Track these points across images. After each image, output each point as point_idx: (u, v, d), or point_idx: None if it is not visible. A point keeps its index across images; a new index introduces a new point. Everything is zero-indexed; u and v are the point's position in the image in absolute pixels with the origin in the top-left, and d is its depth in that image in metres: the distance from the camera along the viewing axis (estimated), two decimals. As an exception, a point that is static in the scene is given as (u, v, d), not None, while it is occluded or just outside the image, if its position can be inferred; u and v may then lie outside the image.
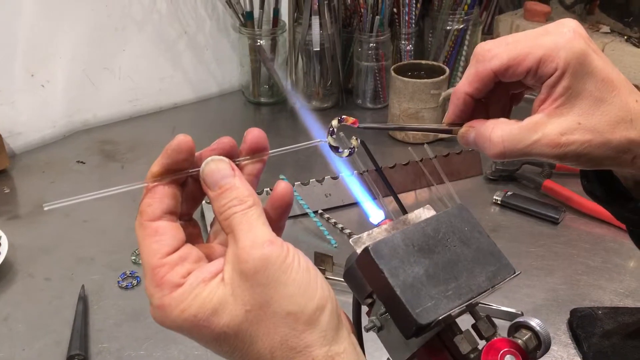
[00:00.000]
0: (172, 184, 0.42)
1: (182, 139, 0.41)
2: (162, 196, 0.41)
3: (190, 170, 0.42)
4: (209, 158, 0.42)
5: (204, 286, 0.39)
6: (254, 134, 0.44)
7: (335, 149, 0.48)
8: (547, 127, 0.46)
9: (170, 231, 0.40)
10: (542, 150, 0.46)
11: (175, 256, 0.40)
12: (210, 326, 0.38)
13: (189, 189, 0.44)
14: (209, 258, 0.42)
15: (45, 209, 0.41)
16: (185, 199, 0.44)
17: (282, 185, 0.45)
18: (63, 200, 0.42)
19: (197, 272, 0.39)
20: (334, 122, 0.48)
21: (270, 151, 0.45)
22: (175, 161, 0.41)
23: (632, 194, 0.54)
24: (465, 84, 0.49)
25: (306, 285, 0.39)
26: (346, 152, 0.48)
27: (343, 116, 0.48)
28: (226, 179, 0.41)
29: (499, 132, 0.47)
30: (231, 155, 0.43)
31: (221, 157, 0.42)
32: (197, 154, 0.43)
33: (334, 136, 0.48)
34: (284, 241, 0.40)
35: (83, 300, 0.83)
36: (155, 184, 0.41)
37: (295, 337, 0.38)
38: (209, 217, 0.93)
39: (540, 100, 0.46)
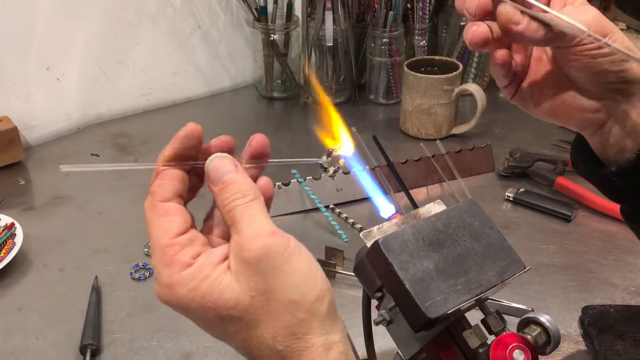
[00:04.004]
0: (180, 168, 0.44)
1: (192, 127, 0.43)
2: (172, 179, 0.43)
3: (197, 162, 0.44)
4: (214, 155, 0.43)
5: (212, 268, 0.40)
6: (258, 140, 0.46)
7: (323, 168, 0.50)
8: None
9: (181, 213, 0.42)
10: None
11: (185, 237, 0.41)
12: (216, 308, 0.39)
13: (189, 181, 0.46)
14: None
15: (62, 169, 0.43)
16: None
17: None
18: (80, 165, 0.44)
19: (205, 255, 0.41)
20: (336, 149, 0.49)
21: (270, 160, 0.47)
22: (186, 147, 0.43)
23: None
24: None
25: (307, 275, 0.40)
26: (331, 170, 0.50)
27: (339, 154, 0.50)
28: (229, 174, 0.42)
29: None
30: (229, 152, 0.45)
31: (225, 154, 0.44)
32: (203, 146, 0.44)
33: (329, 158, 0.49)
34: (286, 233, 0.41)
35: (96, 291, 0.84)
36: (165, 167, 0.43)
37: (296, 324, 0.39)
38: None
39: None
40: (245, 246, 0.39)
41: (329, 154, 0.49)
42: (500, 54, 0.52)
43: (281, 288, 0.39)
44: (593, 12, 0.49)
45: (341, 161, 0.50)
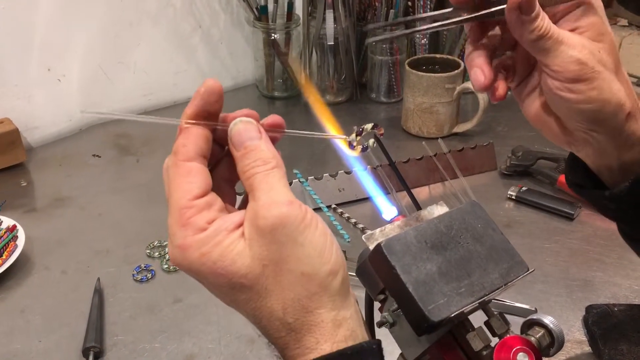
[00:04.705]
0: (204, 127, 0.42)
1: (212, 82, 0.42)
2: (196, 137, 0.42)
3: (222, 124, 0.43)
4: (238, 119, 0.43)
5: (226, 234, 0.39)
6: (276, 117, 0.46)
7: (350, 144, 0.48)
8: None
9: (202, 174, 0.41)
10: None
11: (203, 201, 0.40)
12: (227, 275, 0.39)
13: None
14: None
15: (81, 113, 0.43)
16: None
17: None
18: (101, 112, 0.44)
19: (220, 221, 0.40)
20: (368, 126, 0.48)
21: (295, 131, 0.46)
22: (208, 102, 0.42)
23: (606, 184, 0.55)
24: None
25: (322, 249, 0.40)
26: (359, 148, 0.48)
27: (377, 126, 0.49)
28: (252, 140, 0.42)
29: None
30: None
31: (249, 119, 0.43)
32: (222, 115, 0.44)
33: (359, 137, 0.48)
34: (303, 204, 0.40)
35: (98, 293, 0.84)
36: (189, 125, 0.42)
37: (307, 297, 0.39)
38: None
39: None
40: (261, 214, 0.39)
41: (360, 133, 0.48)
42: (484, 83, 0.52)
43: (294, 259, 0.39)
44: (579, 55, 0.47)
45: (371, 140, 0.49)
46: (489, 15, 0.50)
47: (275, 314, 0.40)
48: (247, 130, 0.42)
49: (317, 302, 0.39)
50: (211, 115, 0.42)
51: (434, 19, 0.51)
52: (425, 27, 0.52)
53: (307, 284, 0.39)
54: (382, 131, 0.49)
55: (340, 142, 0.49)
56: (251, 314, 0.41)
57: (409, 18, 0.52)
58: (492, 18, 0.50)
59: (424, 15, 0.52)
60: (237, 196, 0.47)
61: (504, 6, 0.48)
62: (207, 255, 0.39)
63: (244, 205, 0.44)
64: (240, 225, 0.40)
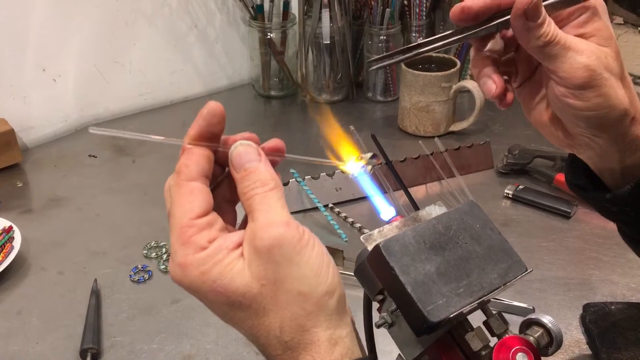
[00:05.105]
0: (206, 147, 0.43)
1: (214, 105, 0.43)
2: (198, 157, 0.43)
3: (221, 146, 0.44)
4: (238, 142, 0.43)
5: (226, 254, 0.40)
6: (277, 141, 0.46)
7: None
8: None
9: (204, 194, 0.42)
10: None
11: (204, 220, 0.41)
12: (226, 293, 0.40)
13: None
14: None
15: (91, 131, 0.44)
16: None
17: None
18: (109, 129, 0.44)
19: (221, 240, 0.41)
20: (367, 156, 0.49)
21: (293, 155, 0.47)
22: (210, 123, 0.42)
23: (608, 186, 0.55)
24: None
25: (318, 269, 0.40)
26: (354, 170, 0.49)
27: (376, 156, 0.50)
28: (252, 162, 0.43)
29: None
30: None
31: (249, 142, 0.44)
32: (223, 137, 0.44)
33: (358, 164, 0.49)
34: (301, 225, 0.41)
35: (95, 294, 0.83)
36: (192, 145, 0.43)
37: (304, 316, 0.40)
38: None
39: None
40: (258, 234, 0.40)
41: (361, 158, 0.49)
42: (495, 92, 0.52)
43: (291, 279, 0.39)
44: (588, 61, 0.47)
45: (369, 167, 0.50)
46: (491, 29, 0.50)
47: (273, 332, 0.40)
48: (247, 153, 0.43)
49: (314, 321, 0.40)
50: (214, 136, 0.43)
51: (437, 41, 0.51)
52: (428, 47, 0.52)
53: (304, 303, 0.40)
54: (380, 161, 0.50)
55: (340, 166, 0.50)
56: (249, 332, 0.41)
57: (411, 45, 0.52)
58: (495, 31, 0.50)
59: (426, 40, 0.51)
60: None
61: (508, 17, 0.48)
62: (207, 273, 0.40)
63: (243, 225, 0.44)
64: (240, 244, 0.41)
